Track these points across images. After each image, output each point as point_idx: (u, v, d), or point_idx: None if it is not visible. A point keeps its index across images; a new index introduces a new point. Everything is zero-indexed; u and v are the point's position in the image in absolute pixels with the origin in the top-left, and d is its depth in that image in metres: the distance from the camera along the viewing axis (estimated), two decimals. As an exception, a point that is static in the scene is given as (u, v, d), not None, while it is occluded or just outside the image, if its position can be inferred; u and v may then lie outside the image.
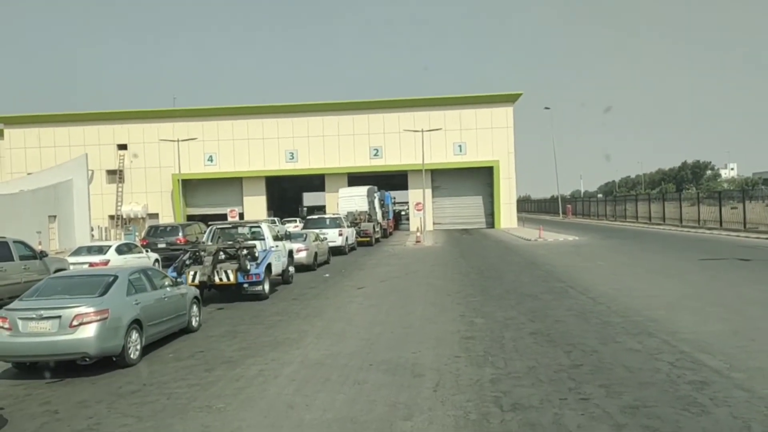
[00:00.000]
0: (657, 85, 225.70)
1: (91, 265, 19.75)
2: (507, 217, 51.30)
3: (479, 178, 52.88)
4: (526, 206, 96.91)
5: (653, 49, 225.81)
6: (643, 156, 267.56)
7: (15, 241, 16.79)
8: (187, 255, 16.77)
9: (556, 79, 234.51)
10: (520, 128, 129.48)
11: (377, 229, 39.72)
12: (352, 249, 33.02)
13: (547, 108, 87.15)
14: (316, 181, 54.85)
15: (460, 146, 51.25)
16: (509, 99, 51.68)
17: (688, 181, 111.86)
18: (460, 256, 27.33)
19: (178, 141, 46.86)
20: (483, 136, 51.08)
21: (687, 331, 10.39)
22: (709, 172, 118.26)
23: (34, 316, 9.21)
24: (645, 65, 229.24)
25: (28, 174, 46.29)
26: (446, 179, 53.08)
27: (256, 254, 16.75)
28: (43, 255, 17.91)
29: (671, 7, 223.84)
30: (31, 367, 9.72)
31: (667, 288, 15.85)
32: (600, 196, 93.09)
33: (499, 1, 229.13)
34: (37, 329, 9.16)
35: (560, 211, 70.14)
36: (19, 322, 9.18)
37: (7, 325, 9.21)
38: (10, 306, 9.72)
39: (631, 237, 35.44)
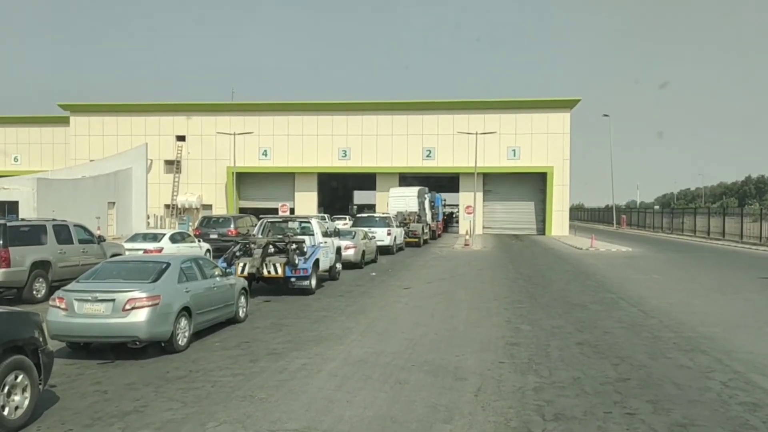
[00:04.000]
0: (721, 96, 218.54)
1: (145, 251, 20.29)
2: (559, 225, 50.48)
3: (532, 184, 52.19)
4: (579, 214, 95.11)
5: (717, 59, 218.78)
6: (704, 169, 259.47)
7: (75, 225, 17.37)
8: (238, 246, 17.06)
9: (615, 86, 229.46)
10: (577, 134, 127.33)
11: (426, 230, 39.60)
12: (400, 249, 33.02)
13: (605, 115, 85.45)
14: (368, 180, 55.10)
15: (514, 150, 50.67)
16: (567, 105, 50.83)
17: (752, 197, 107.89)
18: (508, 262, 27.02)
19: (234, 134, 47.79)
20: (538, 142, 50.38)
21: (742, 351, 10.02)
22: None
23: (89, 298, 9.50)
24: (709, 75, 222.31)
25: (91, 161, 47.93)
26: (498, 183, 52.58)
27: (305, 249, 16.91)
28: (101, 239, 18.49)
29: (734, 16, 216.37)
30: (84, 348, 10.06)
31: (724, 305, 15.33)
32: (657, 207, 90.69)
33: (563, 10, 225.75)
34: (92, 311, 9.45)
35: (614, 221, 68.57)
36: (75, 303, 9.50)
37: (63, 306, 9.54)
38: (68, 287, 10.06)
39: (687, 251, 34.39)
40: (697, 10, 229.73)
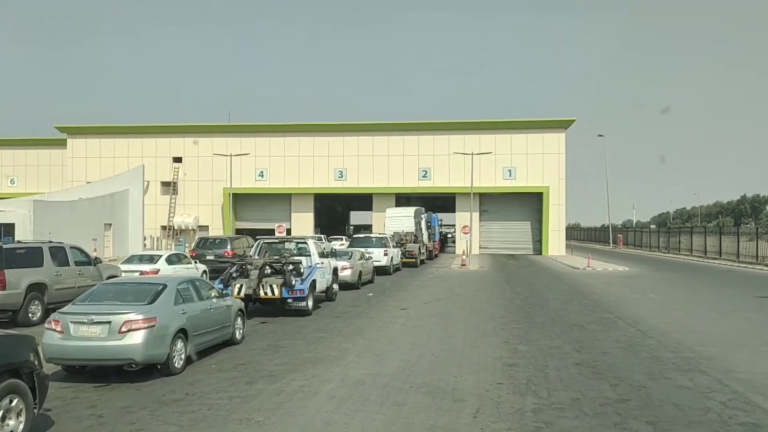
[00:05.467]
0: (716, 116, 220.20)
1: (142, 273, 20.21)
2: (555, 245, 50.52)
3: (528, 204, 52.31)
4: (576, 234, 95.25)
5: (712, 78, 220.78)
6: (699, 188, 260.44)
7: (72, 247, 17.31)
8: (234, 268, 17.02)
9: (611, 106, 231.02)
10: (572, 154, 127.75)
11: (423, 250, 39.58)
12: (397, 269, 32.96)
13: (600, 135, 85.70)
14: (364, 201, 55.17)
15: (509, 171, 50.86)
16: (562, 125, 51.15)
17: (747, 216, 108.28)
18: (505, 282, 26.99)
19: (230, 156, 47.89)
20: (533, 162, 50.61)
21: (741, 370, 9.99)
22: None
23: (85, 320, 9.45)
24: (705, 95, 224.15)
25: (88, 183, 47.89)
26: (494, 203, 52.70)
27: (302, 270, 16.88)
28: (97, 261, 18.43)
29: (729, 35, 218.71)
30: (79, 370, 9.98)
31: (721, 324, 15.31)
32: (653, 227, 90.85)
33: (557, 30, 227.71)
34: (88, 333, 9.39)
35: (611, 241, 68.66)
36: (71, 326, 9.44)
37: (59, 328, 9.48)
38: (64, 309, 10.01)
39: (684, 270, 34.41)
40: (694, 31, 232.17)
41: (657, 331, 13.83)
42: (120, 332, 9.32)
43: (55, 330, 9.50)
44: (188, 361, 10.42)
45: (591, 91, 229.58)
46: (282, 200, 53.51)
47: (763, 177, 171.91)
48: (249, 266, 16.89)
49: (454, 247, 56.46)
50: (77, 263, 17.07)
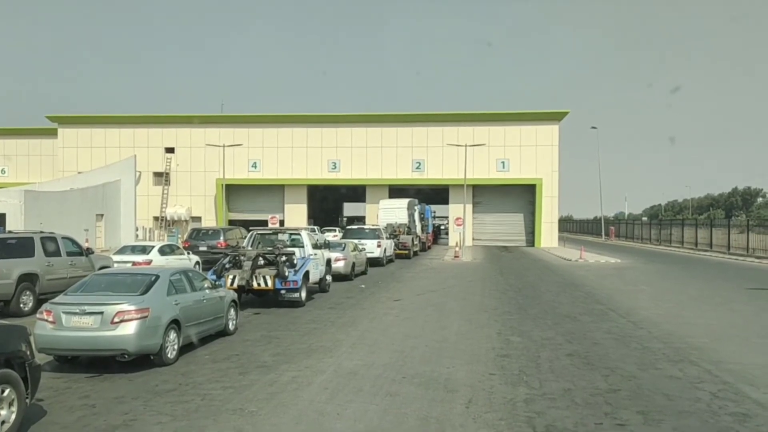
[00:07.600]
0: (708, 109, 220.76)
1: (134, 264, 20.17)
2: (548, 236, 50.67)
3: (521, 196, 52.41)
4: (568, 226, 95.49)
5: (703, 71, 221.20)
6: (691, 180, 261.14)
7: (63, 238, 17.23)
8: (227, 259, 17.01)
9: (603, 98, 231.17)
10: (565, 146, 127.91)
11: (416, 242, 39.64)
12: (390, 261, 33.00)
13: (593, 128, 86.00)
14: (357, 192, 55.10)
15: (503, 162, 50.92)
16: (555, 117, 51.20)
17: (738, 208, 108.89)
18: (498, 273, 27.07)
19: (223, 146, 47.66)
20: (527, 154, 50.67)
21: (731, 362, 10.07)
22: (760, 199, 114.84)
23: (77, 311, 9.43)
24: (695, 87, 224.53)
25: (79, 173, 47.57)
26: (488, 195, 52.77)
27: (295, 261, 16.88)
28: (89, 252, 18.36)
29: (724, 29, 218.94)
30: (72, 361, 9.97)
31: (712, 316, 15.41)
32: (645, 219, 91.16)
33: (549, 21, 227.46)
34: (80, 324, 9.37)
35: (603, 233, 68.93)
36: (63, 317, 9.42)
37: (51, 319, 9.46)
38: (55, 300, 9.98)
39: (676, 262, 34.61)
40: (690, 26, 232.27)
41: (648, 323, 13.92)
42: (112, 323, 9.30)
43: (47, 320, 9.48)
44: (184, 349, 10.43)
45: (585, 83, 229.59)
46: (275, 191, 53.39)
47: (755, 170, 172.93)
48: (242, 257, 16.88)
49: (448, 238, 56.55)
50: (69, 254, 17.00)
